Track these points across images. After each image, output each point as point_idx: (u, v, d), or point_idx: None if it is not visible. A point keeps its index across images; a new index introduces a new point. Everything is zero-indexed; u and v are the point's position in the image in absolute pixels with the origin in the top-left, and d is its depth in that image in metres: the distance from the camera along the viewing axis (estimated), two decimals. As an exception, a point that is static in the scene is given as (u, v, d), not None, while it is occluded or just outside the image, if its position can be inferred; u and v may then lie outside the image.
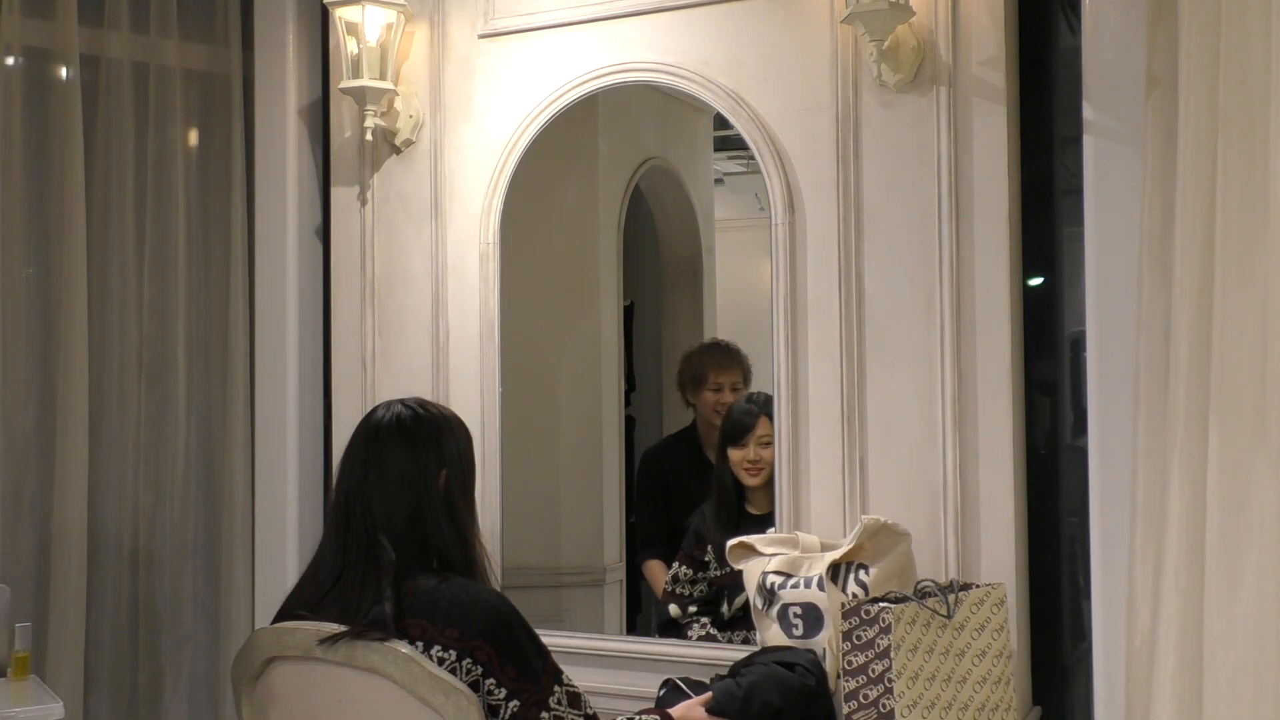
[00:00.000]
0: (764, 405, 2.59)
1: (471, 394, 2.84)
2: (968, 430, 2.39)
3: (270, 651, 1.91)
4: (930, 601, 2.11)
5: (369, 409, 2.08)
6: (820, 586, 2.26)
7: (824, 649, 2.25)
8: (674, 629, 2.72)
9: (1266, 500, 1.73)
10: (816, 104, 2.53)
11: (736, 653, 2.39)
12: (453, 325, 2.90)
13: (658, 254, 3.05)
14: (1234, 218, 1.80)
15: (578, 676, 1.95)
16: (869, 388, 2.47)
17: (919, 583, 2.19)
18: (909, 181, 2.45)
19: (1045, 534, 2.48)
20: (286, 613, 1.96)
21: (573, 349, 3.10)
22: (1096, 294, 2.32)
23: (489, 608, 1.85)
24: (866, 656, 2.06)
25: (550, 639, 1.95)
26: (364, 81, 2.85)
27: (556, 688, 1.87)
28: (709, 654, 2.54)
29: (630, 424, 3.02)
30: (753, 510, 2.67)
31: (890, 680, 2.03)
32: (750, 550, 2.42)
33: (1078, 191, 2.38)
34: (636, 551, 2.94)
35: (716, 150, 2.86)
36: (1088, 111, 2.34)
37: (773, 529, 2.52)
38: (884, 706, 2.04)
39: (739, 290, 2.91)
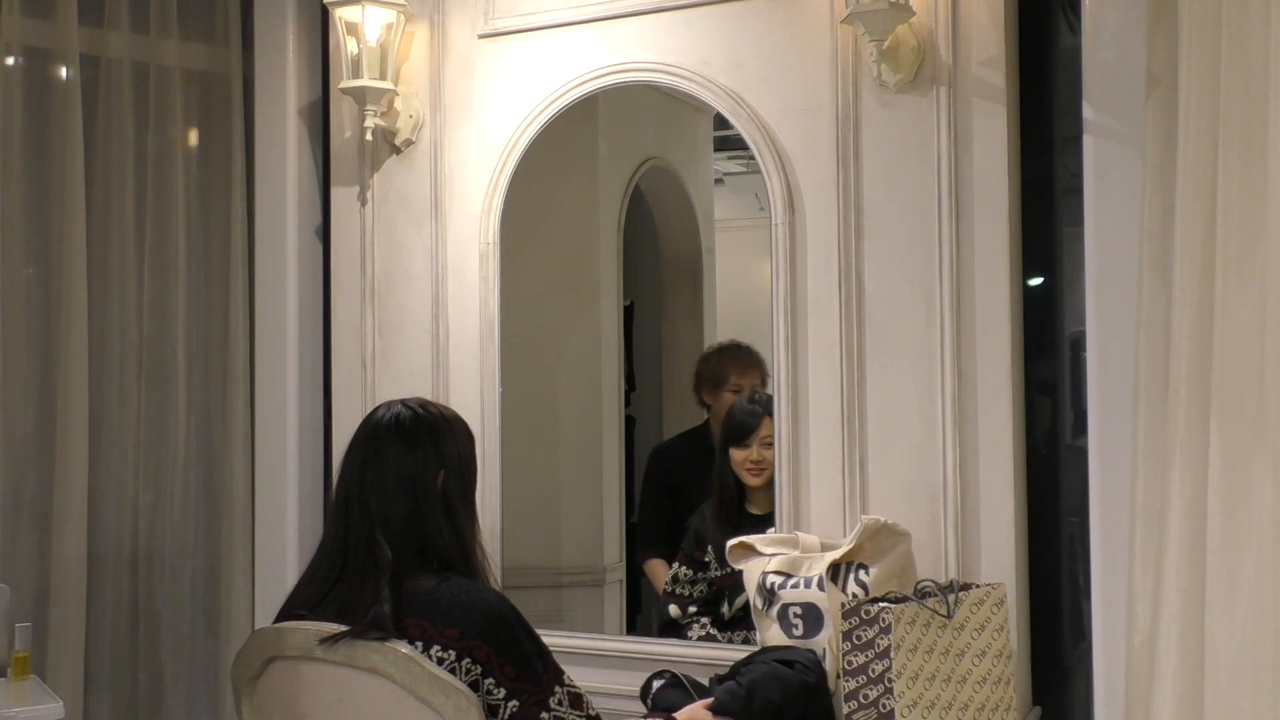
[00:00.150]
0: (767, 405, 2.59)
1: (471, 394, 2.84)
2: (968, 430, 2.39)
3: (270, 651, 1.91)
4: (930, 601, 2.11)
5: (369, 409, 2.08)
6: (820, 586, 2.26)
7: (824, 649, 2.25)
8: (674, 629, 2.72)
9: (1264, 499, 1.73)
10: (816, 104, 2.53)
11: (736, 652, 2.39)
12: (453, 325, 2.91)
13: (658, 254, 3.05)
14: (1234, 217, 1.80)
15: (578, 676, 1.95)
16: (869, 388, 2.47)
17: (919, 583, 2.19)
18: (909, 181, 2.44)
19: (1045, 534, 2.48)
20: (287, 612, 1.96)
21: (573, 349, 3.10)
22: (1096, 294, 2.32)
23: (489, 607, 1.85)
24: (866, 656, 2.06)
25: (550, 639, 1.95)
26: (364, 81, 2.85)
27: (557, 688, 1.87)
28: (709, 654, 2.54)
29: (630, 424, 3.02)
30: (754, 510, 2.67)
31: (890, 680, 2.03)
32: (750, 550, 2.42)
33: (1078, 191, 2.38)
34: (637, 551, 2.94)
35: (716, 150, 2.85)
36: (1088, 111, 2.34)
37: (773, 529, 2.52)
38: (884, 706, 2.04)
39: (739, 290, 2.91)
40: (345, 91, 2.90)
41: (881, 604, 2.07)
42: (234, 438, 3.22)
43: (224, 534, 3.22)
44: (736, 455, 2.68)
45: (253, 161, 3.25)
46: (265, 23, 3.22)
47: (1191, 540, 1.85)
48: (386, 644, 1.80)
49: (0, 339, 3.02)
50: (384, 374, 2.98)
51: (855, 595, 2.23)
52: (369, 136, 2.90)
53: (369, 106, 2.86)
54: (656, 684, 2.26)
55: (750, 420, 2.66)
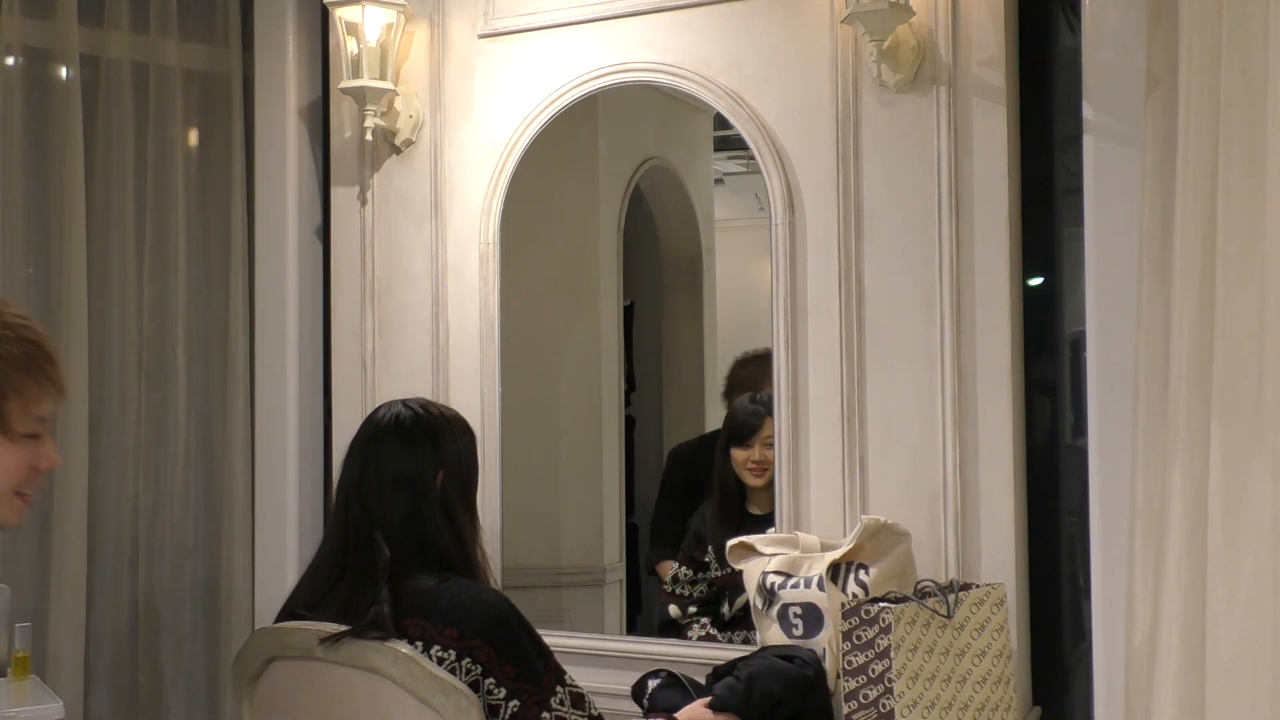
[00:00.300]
0: (769, 405, 2.59)
1: (471, 394, 2.84)
2: (968, 430, 2.39)
3: (270, 651, 1.91)
4: (930, 601, 2.11)
5: (369, 409, 2.08)
6: (820, 586, 2.26)
7: (824, 649, 2.25)
8: (674, 629, 2.72)
9: (1263, 498, 1.73)
10: (816, 104, 2.53)
11: (736, 653, 2.38)
12: (453, 325, 2.90)
13: (658, 254, 3.05)
14: (1235, 217, 1.80)
15: (578, 676, 1.95)
16: (869, 388, 2.47)
17: (919, 583, 2.19)
18: (909, 181, 2.44)
19: (1045, 534, 2.48)
20: (287, 612, 1.97)
21: (573, 349, 3.10)
22: (1096, 294, 2.32)
23: (488, 607, 1.85)
24: (866, 656, 2.06)
25: (550, 639, 1.95)
26: (364, 81, 2.85)
27: (559, 688, 1.87)
28: (709, 654, 2.54)
29: (630, 424, 3.02)
30: (754, 510, 2.67)
31: (890, 680, 2.03)
32: (750, 550, 2.42)
33: (1078, 191, 2.38)
34: (650, 550, 2.94)
35: (716, 150, 2.85)
36: (1088, 111, 2.34)
37: (773, 529, 2.52)
38: (884, 706, 2.04)
39: (739, 290, 2.91)
40: (345, 91, 2.90)
41: (881, 604, 2.07)
42: (234, 438, 3.22)
43: (224, 534, 3.22)
44: (738, 455, 2.68)
45: (253, 161, 3.25)
46: (265, 23, 3.22)
47: (1192, 540, 1.85)
48: (386, 644, 1.80)
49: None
50: (384, 374, 2.98)
51: (855, 595, 2.23)
52: (369, 136, 2.90)
53: (369, 106, 2.86)
54: (652, 684, 2.25)
55: (753, 421, 2.66)
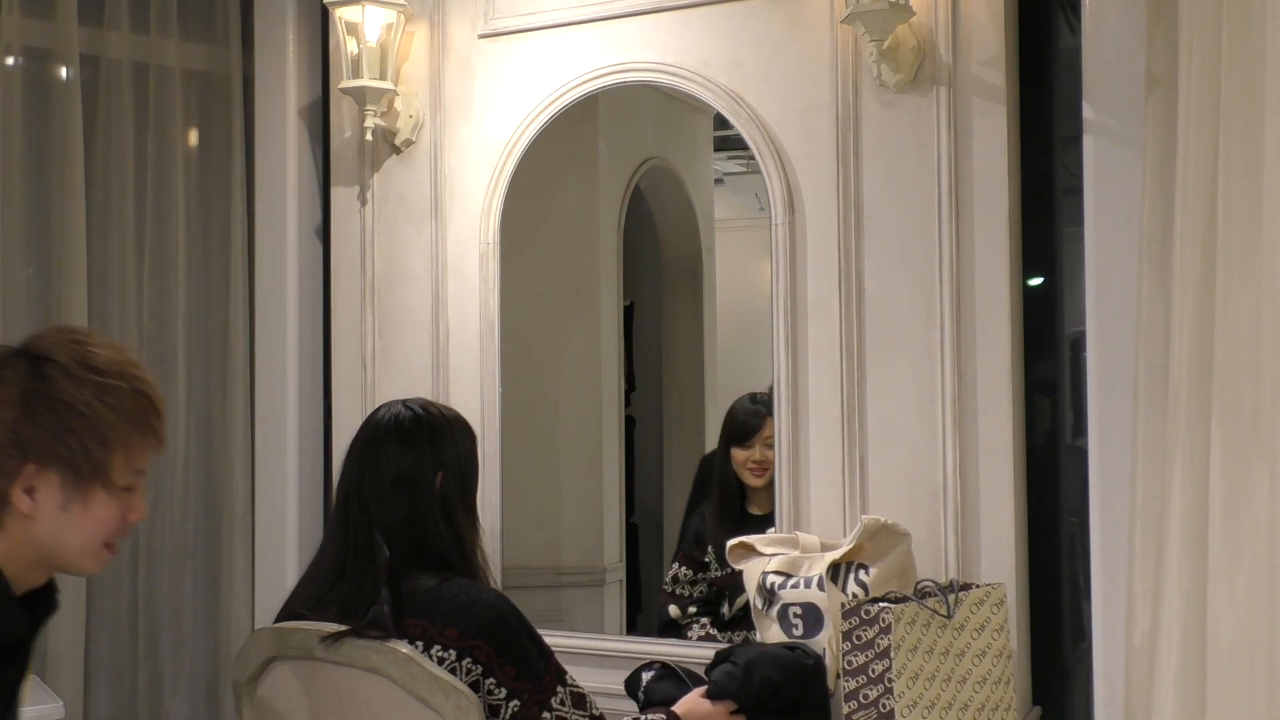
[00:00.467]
0: (769, 405, 2.58)
1: (471, 394, 2.84)
2: (968, 430, 2.39)
3: (270, 651, 1.91)
4: (930, 601, 2.11)
5: (369, 409, 2.08)
6: (820, 586, 2.26)
7: (824, 649, 2.25)
8: (674, 629, 2.72)
9: (1260, 497, 1.73)
10: (816, 104, 2.53)
11: (736, 652, 2.39)
12: (453, 325, 2.90)
13: (658, 254, 3.05)
14: (1235, 217, 1.80)
15: (578, 677, 1.95)
16: (869, 388, 2.47)
17: (919, 583, 2.19)
18: (909, 181, 2.44)
19: (1045, 534, 2.48)
20: (287, 612, 1.97)
21: (573, 349, 3.10)
22: (1096, 294, 2.32)
23: (488, 607, 1.85)
24: (866, 656, 2.06)
25: (550, 639, 1.95)
26: (364, 81, 2.85)
27: (559, 688, 1.86)
28: (709, 654, 2.53)
29: (630, 424, 3.02)
30: (754, 510, 2.67)
31: (890, 680, 2.03)
32: (750, 550, 2.42)
33: (1078, 191, 2.38)
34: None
35: (716, 150, 2.85)
36: (1088, 111, 2.34)
37: (773, 529, 2.52)
38: (884, 706, 2.04)
39: (739, 290, 2.90)
40: (345, 91, 2.90)
41: (881, 604, 2.07)
42: (234, 438, 3.22)
43: (224, 534, 3.22)
44: (738, 455, 2.68)
45: (253, 161, 3.25)
46: (265, 23, 3.22)
47: (1193, 539, 1.85)
48: (386, 644, 1.80)
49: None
50: (384, 374, 2.98)
51: (855, 595, 2.23)
52: (369, 136, 2.90)
53: (369, 106, 2.86)
54: (647, 676, 2.23)
55: (753, 421, 2.66)
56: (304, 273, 3.17)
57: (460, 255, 2.90)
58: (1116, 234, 2.28)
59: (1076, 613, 2.46)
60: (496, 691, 1.82)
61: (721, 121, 2.66)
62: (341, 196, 3.07)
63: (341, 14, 2.85)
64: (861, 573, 2.26)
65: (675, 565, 2.77)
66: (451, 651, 1.81)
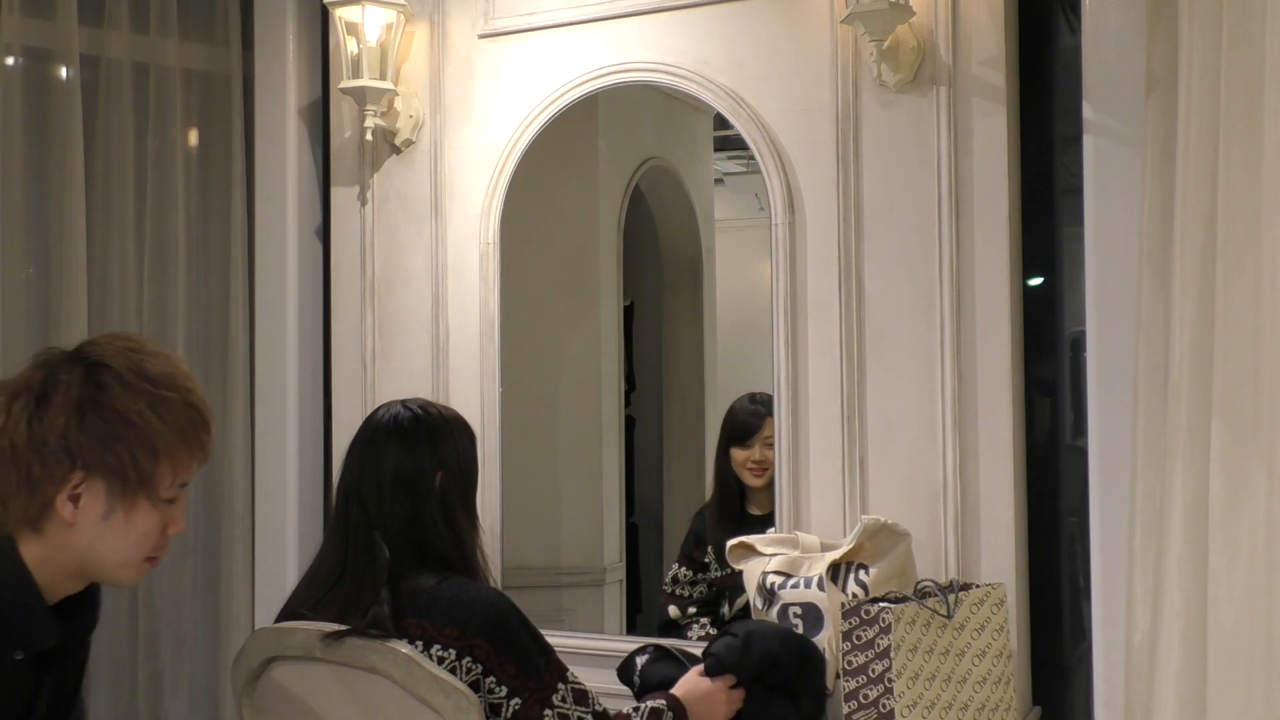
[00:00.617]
0: (769, 405, 2.58)
1: (471, 394, 2.84)
2: (968, 430, 2.39)
3: (270, 651, 1.91)
4: (930, 601, 2.11)
5: (369, 409, 2.08)
6: (820, 586, 2.26)
7: (824, 649, 2.25)
8: (674, 629, 2.72)
9: (1258, 497, 1.73)
10: (816, 104, 2.53)
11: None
12: (453, 325, 2.90)
13: (658, 254, 3.05)
14: (1235, 217, 1.80)
15: (578, 677, 1.95)
16: (869, 388, 2.47)
17: (919, 583, 2.19)
18: (909, 181, 2.44)
19: (1045, 534, 2.48)
20: (288, 612, 1.97)
21: (573, 349, 3.10)
22: (1096, 294, 2.32)
23: (488, 606, 1.85)
24: (866, 656, 2.06)
25: (550, 639, 1.95)
26: (364, 81, 2.85)
27: (560, 685, 1.86)
28: (709, 654, 2.54)
29: (630, 424, 3.02)
30: (754, 510, 2.67)
31: (890, 680, 2.03)
32: (750, 550, 2.42)
33: (1078, 191, 2.38)
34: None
35: (716, 150, 2.85)
36: (1088, 111, 2.34)
37: (773, 529, 2.52)
38: (884, 706, 2.04)
39: (739, 290, 2.90)
40: (345, 91, 2.90)
41: (881, 604, 2.07)
42: (234, 438, 3.22)
43: (224, 534, 3.22)
44: (738, 455, 2.68)
45: (253, 161, 3.25)
46: (265, 23, 3.22)
47: (1194, 539, 1.85)
48: (386, 644, 1.80)
49: (0, 339, 3.02)
50: (384, 374, 2.98)
51: (855, 595, 2.23)
52: (369, 136, 2.90)
53: (369, 106, 2.86)
54: (641, 659, 2.21)
55: (753, 421, 2.66)
56: (304, 273, 3.17)
57: (460, 255, 2.90)
58: (1116, 234, 2.28)
59: (1076, 613, 2.46)
60: (497, 690, 1.82)
61: (721, 121, 2.66)
62: (341, 196, 3.07)
63: (341, 14, 2.85)
64: (861, 573, 2.26)
65: (675, 566, 2.77)
66: (451, 651, 1.81)
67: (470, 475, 2.03)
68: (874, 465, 2.46)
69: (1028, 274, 2.49)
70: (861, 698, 2.06)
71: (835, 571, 2.27)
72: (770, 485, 2.57)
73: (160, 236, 3.21)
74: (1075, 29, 2.41)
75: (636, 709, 1.97)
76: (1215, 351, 1.82)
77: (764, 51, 2.59)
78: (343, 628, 1.83)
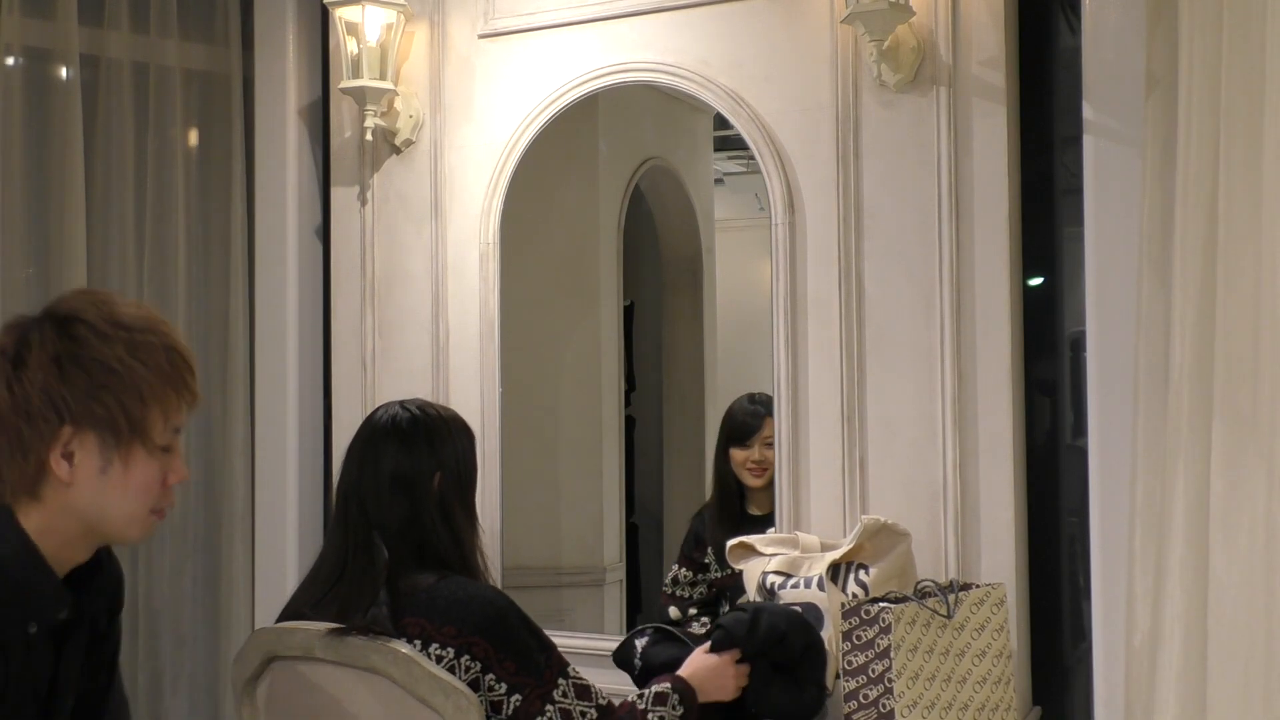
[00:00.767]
0: (768, 405, 2.58)
1: (471, 394, 2.84)
2: (968, 430, 2.39)
3: (270, 651, 1.91)
4: (930, 601, 2.11)
5: (369, 409, 2.08)
6: (820, 586, 2.26)
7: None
8: (674, 629, 2.72)
9: (1258, 497, 1.73)
10: (816, 104, 2.53)
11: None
12: (453, 325, 2.90)
13: (658, 254, 3.05)
14: (1236, 217, 1.80)
15: (578, 676, 1.95)
16: (869, 388, 2.47)
17: (919, 583, 2.19)
18: (909, 181, 2.45)
19: (1045, 534, 2.48)
20: (290, 612, 1.97)
21: (573, 349, 3.10)
22: (1096, 294, 2.32)
23: (485, 603, 1.84)
24: (866, 656, 2.06)
25: (550, 638, 1.94)
26: (364, 81, 2.85)
27: (561, 681, 1.86)
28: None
29: (630, 424, 3.02)
30: (754, 511, 2.67)
31: (890, 680, 2.03)
32: (750, 550, 2.42)
33: (1078, 191, 2.38)
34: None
35: (716, 150, 2.85)
36: (1088, 111, 2.34)
37: (773, 529, 2.52)
38: (884, 706, 2.04)
39: (739, 290, 2.91)
40: (345, 91, 2.90)
41: (881, 604, 2.07)
42: (234, 438, 3.22)
43: (224, 534, 3.22)
44: (737, 456, 2.68)
45: (253, 161, 3.25)
46: (265, 23, 3.22)
47: (1195, 539, 1.85)
48: (386, 644, 1.80)
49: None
50: (384, 374, 2.98)
51: (855, 595, 2.23)
52: (369, 136, 2.90)
53: (369, 106, 2.86)
54: (641, 642, 2.20)
55: (752, 421, 2.66)
56: (304, 273, 3.17)
57: (460, 255, 2.90)
58: (1116, 234, 2.28)
59: (1076, 613, 2.46)
60: (497, 687, 1.82)
61: (721, 121, 2.66)
62: (341, 196, 3.07)
63: (341, 14, 2.85)
64: (861, 573, 2.26)
65: (675, 567, 2.77)
66: (449, 649, 1.81)
67: (469, 476, 2.02)
68: (874, 465, 2.46)
69: (1028, 274, 2.49)
70: (861, 698, 2.06)
71: (835, 571, 2.27)
72: (770, 485, 2.57)
73: (160, 236, 3.21)
74: (1075, 29, 2.41)
75: (641, 695, 1.96)
76: (1216, 351, 1.82)
77: (764, 51, 2.59)
78: (343, 628, 1.83)
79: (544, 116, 2.79)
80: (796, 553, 2.37)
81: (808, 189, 2.54)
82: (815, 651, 2.14)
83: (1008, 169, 2.40)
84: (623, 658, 2.21)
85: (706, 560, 2.72)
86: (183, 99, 3.25)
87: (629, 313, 3.02)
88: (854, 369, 2.48)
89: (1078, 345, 2.46)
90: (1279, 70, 1.73)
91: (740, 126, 2.60)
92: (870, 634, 2.05)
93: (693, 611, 2.71)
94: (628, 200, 3.00)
